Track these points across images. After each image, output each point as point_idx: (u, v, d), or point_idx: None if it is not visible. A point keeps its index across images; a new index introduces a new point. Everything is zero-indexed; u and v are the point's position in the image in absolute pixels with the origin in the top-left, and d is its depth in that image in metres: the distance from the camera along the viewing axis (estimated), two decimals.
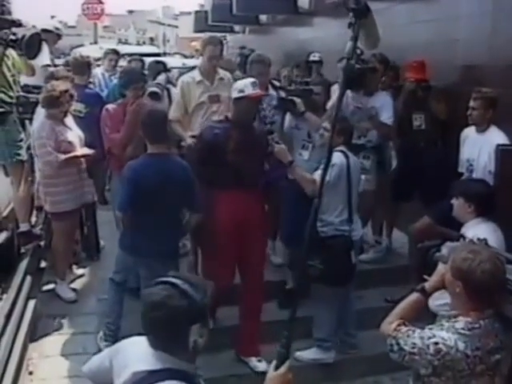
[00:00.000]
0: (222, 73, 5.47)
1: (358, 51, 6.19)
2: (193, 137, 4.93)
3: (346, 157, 4.53)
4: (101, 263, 5.96)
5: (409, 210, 5.91)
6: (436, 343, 2.45)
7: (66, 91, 5.17)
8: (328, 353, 4.65)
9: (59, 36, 7.12)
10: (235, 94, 4.43)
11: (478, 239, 3.53)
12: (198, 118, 5.36)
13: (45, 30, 6.42)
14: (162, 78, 6.52)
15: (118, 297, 4.66)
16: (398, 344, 2.56)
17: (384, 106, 5.62)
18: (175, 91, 6.43)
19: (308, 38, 10.21)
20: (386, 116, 5.60)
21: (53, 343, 4.85)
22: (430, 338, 2.48)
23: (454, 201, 4.03)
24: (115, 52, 8.68)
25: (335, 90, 6.20)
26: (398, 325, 2.61)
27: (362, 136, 5.63)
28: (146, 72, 6.94)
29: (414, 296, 2.74)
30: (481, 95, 4.78)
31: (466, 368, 2.44)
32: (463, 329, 2.47)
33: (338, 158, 4.43)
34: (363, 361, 4.74)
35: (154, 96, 5.88)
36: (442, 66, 5.85)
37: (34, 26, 6.14)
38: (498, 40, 5.30)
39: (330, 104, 5.21)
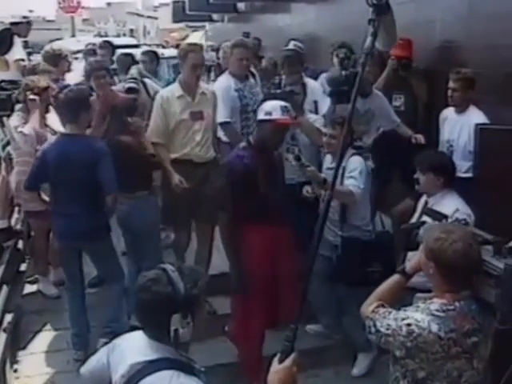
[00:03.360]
0: (203, 87, 5.08)
1: (342, 55, 5.98)
2: (181, 182, 4.71)
3: (363, 158, 4.41)
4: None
5: (391, 193, 5.90)
6: (409, 324, 2.42)
7: (47, 88, 5.06)
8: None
9: (29, 23, 6.95)
10: (261, 116, 4.06)
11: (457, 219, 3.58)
12: (179, 138, 4.90)
13: (14, 24, 6.32)
14: (134, 71, 6.26)
15: (75, 305, 4.62)
16: (374, 326, 2.54)
17: (383, 108, 5.38)
18: (151, 82, 6.33)
19: (286, 25, 10.17)
20: (393, 118, 5.42)
21: (37, 339, 4.84)
22: (403, 319, 2.45)
23: (419, 176, 3.99)
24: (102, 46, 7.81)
25: (323, 78, 6.18)
26: (377, 306, 2.59)
27: (358, 139, 5.13)
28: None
29: (395, 277, 2.72)
30: (461, 76, 4.80)
31: (439, 350, 2.41)
32: (437, 310, 2.44)
33: (360, 163, 4.29)
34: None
35: (132, 91, 5.72)
36: (419, 47, 5.84)
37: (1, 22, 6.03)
38: (475, 20, 5.29)
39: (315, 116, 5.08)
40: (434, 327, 2.39)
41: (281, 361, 2.17)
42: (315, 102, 5.45)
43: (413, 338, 2.41)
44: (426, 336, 2.39)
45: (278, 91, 4.83)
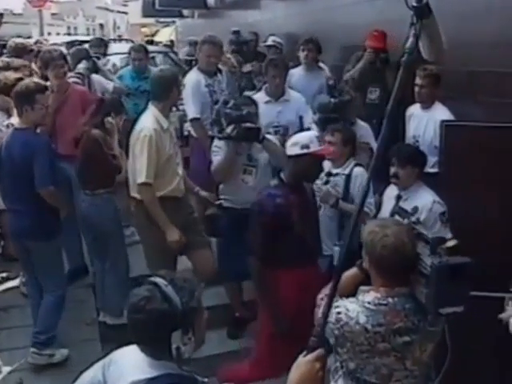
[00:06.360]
0: None
1: (331, 82, 5.95)
2: (180, 237, 4.29)
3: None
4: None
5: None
6: (339, 312, 2.42)
7: (21, 79, 4.94)
8: None
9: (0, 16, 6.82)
10: (296, 150, 3.66)
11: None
12: (168, 174, 4.38)
13: None
14: (82, 66, 5.97)
15: (35, 303, 4.55)
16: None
17: (369, 139, 4.99)
18: (100, 79, 6.16)
19: (256, 21, 10.17)
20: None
21: (3, 336, 4.77)
22: (336, 307, 2.44)
23: (398, 170, 4.02)
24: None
25: (293, 74, 6.18)
26: (326, 295, 2.53)
27: None
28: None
29: (353, 271, 2.71)
30: (428, 73, 4.86)
31: (364, 343, 2.38)
32: (369, 303, 2.42)
33: (363, 175, 4.21)
34: None
35: None
36: (388, 44, 5.89)
37: None
38: (442, 16, 5.35)
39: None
40: (362, 319, 2.38)
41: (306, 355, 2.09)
42: (300, 118, 5.26)
43: (340, 326, 2.40)
44: (353, 326, 2.38)
45: (241, 113, 4.37)
